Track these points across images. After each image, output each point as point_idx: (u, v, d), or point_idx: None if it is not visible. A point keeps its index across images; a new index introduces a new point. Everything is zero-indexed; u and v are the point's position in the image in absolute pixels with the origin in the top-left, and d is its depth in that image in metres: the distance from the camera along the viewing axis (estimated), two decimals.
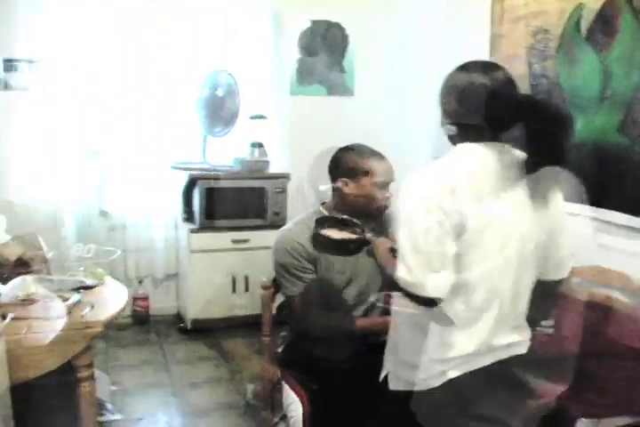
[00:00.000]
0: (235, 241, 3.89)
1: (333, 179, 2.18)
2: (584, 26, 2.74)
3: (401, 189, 1.55)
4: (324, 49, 4.34)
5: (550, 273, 1.65)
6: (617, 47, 2.58)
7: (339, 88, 4.43)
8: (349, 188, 2.12)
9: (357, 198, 2.12)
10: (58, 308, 2.17)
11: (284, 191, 3.96)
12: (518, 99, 1.53)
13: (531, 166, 1.50)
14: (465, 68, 1.56)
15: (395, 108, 4.42)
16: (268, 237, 4.00)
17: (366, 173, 2.10)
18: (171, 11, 3.90)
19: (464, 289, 1.48)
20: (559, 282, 1.69)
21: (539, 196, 1.54)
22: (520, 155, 1.55)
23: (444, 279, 1.45)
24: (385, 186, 2.12)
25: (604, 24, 2.64)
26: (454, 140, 1.60)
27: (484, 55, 3.37)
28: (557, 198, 1.61)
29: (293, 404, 2.06)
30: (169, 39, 3.92)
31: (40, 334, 2.03)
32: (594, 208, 2.63)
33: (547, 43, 2.95)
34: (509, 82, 1.53)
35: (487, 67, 1.56)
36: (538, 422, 1.74)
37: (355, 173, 2.11)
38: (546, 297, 1.65)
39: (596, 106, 2.66)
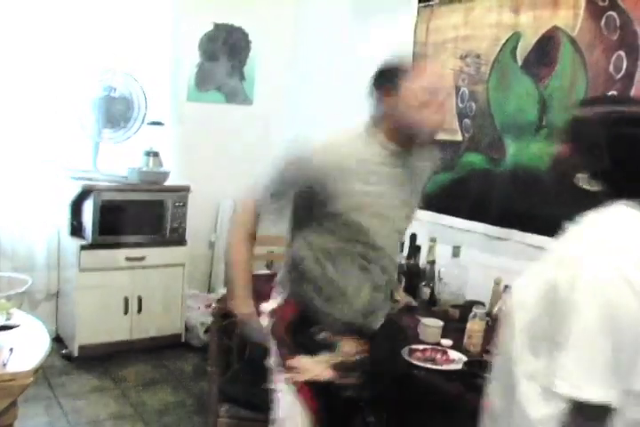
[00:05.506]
0: (129, 259, 3.55)
1: (377, 89, 1.77)
2: (520, 54, 2.78)
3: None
4: (225, 54, 4.10)
5: None
6: (555, 78, 2.63)
7: (238, 96, 4.22)
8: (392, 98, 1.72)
9: (408, 111, 1.71)
10: None
11: (184, 205, 3.68)
12: None
13: None
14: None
15: (294, 118, 4.30)
16: (166, 255, 3.75)
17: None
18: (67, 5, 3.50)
19: None
20: None
21: None
22: None
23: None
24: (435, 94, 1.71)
25: (543, 55, 2.68)
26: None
27: None
28: None
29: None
30: (61, 34, 3.51)
31: None
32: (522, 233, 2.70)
33: (478, 67, 2.96)
34: None
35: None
36: None
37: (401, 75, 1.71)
38: None
39: (532, 134, 2.70)
